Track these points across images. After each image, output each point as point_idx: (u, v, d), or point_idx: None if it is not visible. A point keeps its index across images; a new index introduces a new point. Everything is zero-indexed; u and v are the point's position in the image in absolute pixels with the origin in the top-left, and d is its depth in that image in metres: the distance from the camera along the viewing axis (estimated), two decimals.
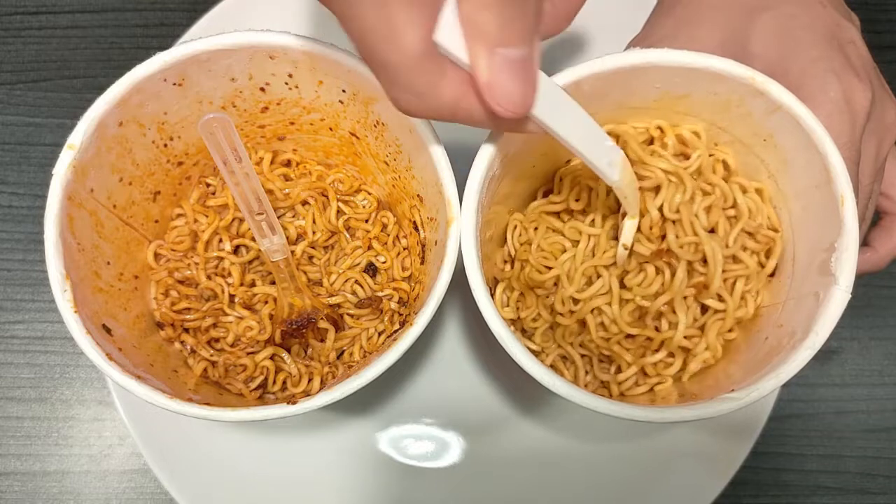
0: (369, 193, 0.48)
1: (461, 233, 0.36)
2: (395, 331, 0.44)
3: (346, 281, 0.46)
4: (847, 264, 0.34)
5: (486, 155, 0.36)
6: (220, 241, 0.45)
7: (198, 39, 0.37)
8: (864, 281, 0.40)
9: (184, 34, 0.52)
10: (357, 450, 0.49)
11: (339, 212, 0.47)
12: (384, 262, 0.47)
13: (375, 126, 0.41)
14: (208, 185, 0.46)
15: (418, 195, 0.42)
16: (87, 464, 0.53)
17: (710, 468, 0.48)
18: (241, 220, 0.46)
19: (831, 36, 0.38)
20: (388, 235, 0.47)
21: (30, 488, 0.53)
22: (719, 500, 0.47)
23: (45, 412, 0.54)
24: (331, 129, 0.44)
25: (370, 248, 0.47)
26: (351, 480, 0.49)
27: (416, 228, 0.45)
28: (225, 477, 0.48)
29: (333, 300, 0.45)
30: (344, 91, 0.40)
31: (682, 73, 0.36)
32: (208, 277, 0.45)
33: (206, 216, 0.45)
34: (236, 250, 0.46)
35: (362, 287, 0.46)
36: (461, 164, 0.37)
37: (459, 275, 0.36)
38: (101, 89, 0.37)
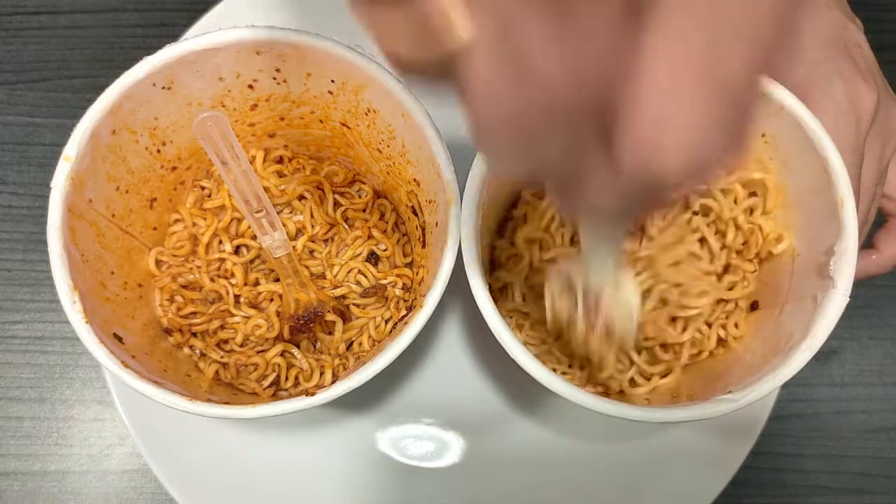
0: (364, 183, 0.48)
1: (461, 233, 0.36)
2: (403, 316, 0.44)
3: (349, 272, 0.46)
4: (846, 268, 0.34)
5: None
6: (220, 242, 0.45)
7: (184, 41, 0.37)
8: (864, 281, 0.40)
9: (183, 34, 0.51)
10: (357, 450, 0.49)
11: (336, 204, 0.47)
12: (385, 250, 0.47)
13: (367, 114, 0.41)
14: (203, 188, 0.46)
15: (415, 179, 0.42)
16: (87, 464, 0.53)
17: (710, 468, 0.48)
18: (240, 221, 0.46)
19: (837, 38, 0.38)
20: (387, 223, 0.48)
21: (30, 488, 0.53)
22: (719, 500, 0.47)
23: (45, 412, 0.54)
24: (321, 121, 0.44)
25: (370, 237, 0.47)
26: (351, 480, 0.49)
27: (414, 213, 0.45)
28: (225, 477, 0.48)
29: (338, 291, 0.46)
30: (333, 81, 0.40)
31: None
32: (212, 280, 0.45)
33: (204, 219, 0.45)
34: (237, 250, 0.46)
35: (365, 276, 0.46)
36: (461, 164, 0.37)
37: (459, 275, 0.36)
38: (101, 89, 0.37)
